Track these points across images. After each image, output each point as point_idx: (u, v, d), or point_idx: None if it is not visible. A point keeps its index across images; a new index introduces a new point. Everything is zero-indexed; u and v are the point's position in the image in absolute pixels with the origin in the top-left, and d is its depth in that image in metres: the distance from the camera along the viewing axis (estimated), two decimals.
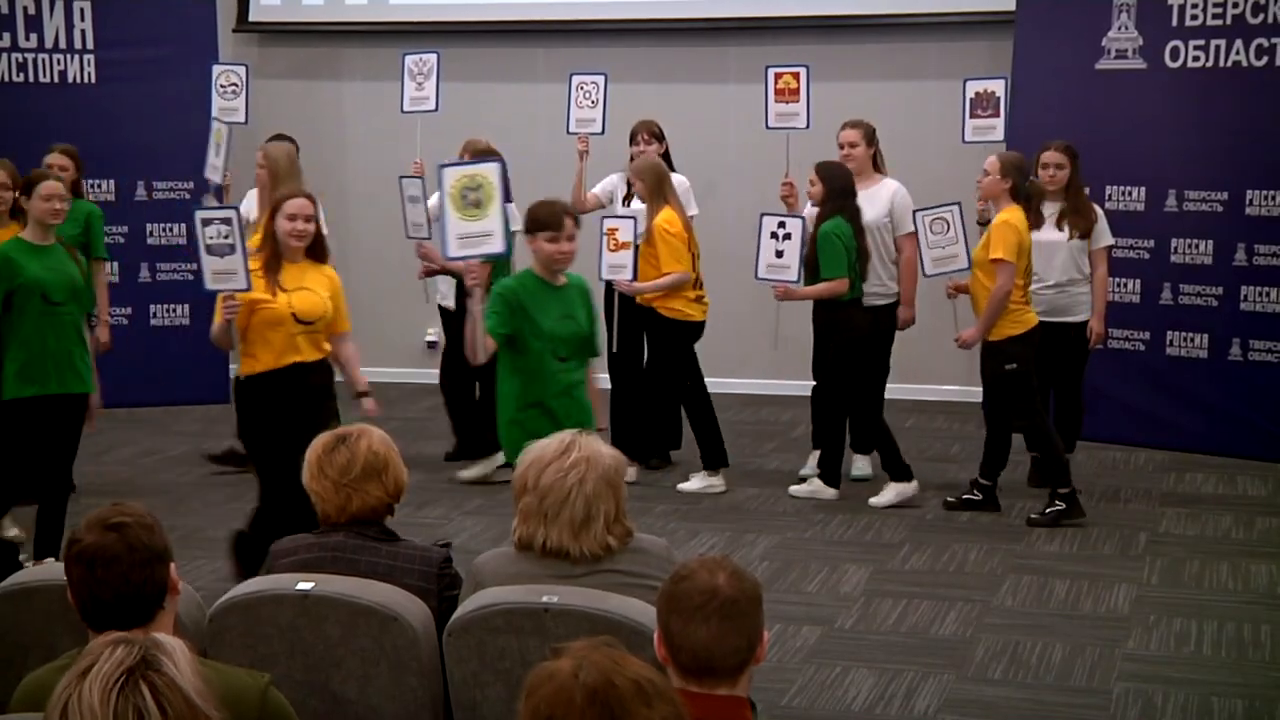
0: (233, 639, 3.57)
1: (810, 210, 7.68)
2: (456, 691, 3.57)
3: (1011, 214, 7.15)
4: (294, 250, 5.76)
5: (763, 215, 7.42)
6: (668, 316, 7.90)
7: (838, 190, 7.51)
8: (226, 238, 5.68)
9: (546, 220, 5.44)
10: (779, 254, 7.35)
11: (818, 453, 7.83)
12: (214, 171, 8.19)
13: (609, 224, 7.74)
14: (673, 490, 7.88)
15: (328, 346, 5.89)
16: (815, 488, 7.67)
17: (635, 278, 7.71)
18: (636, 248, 7.71)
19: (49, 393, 6.10)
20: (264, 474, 5.89)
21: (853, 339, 7.52)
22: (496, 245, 5.67)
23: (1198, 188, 8.59)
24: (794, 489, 7.70)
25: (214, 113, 8.89)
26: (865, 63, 9.74)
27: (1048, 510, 7.17)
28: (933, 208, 7.39)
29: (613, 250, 7.71)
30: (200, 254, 5.78)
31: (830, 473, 7.65)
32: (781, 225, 7.36)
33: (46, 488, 6.23)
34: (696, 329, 8.00)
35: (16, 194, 6.62)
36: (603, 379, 7.95)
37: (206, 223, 5.75)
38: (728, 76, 9.86)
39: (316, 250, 5.87)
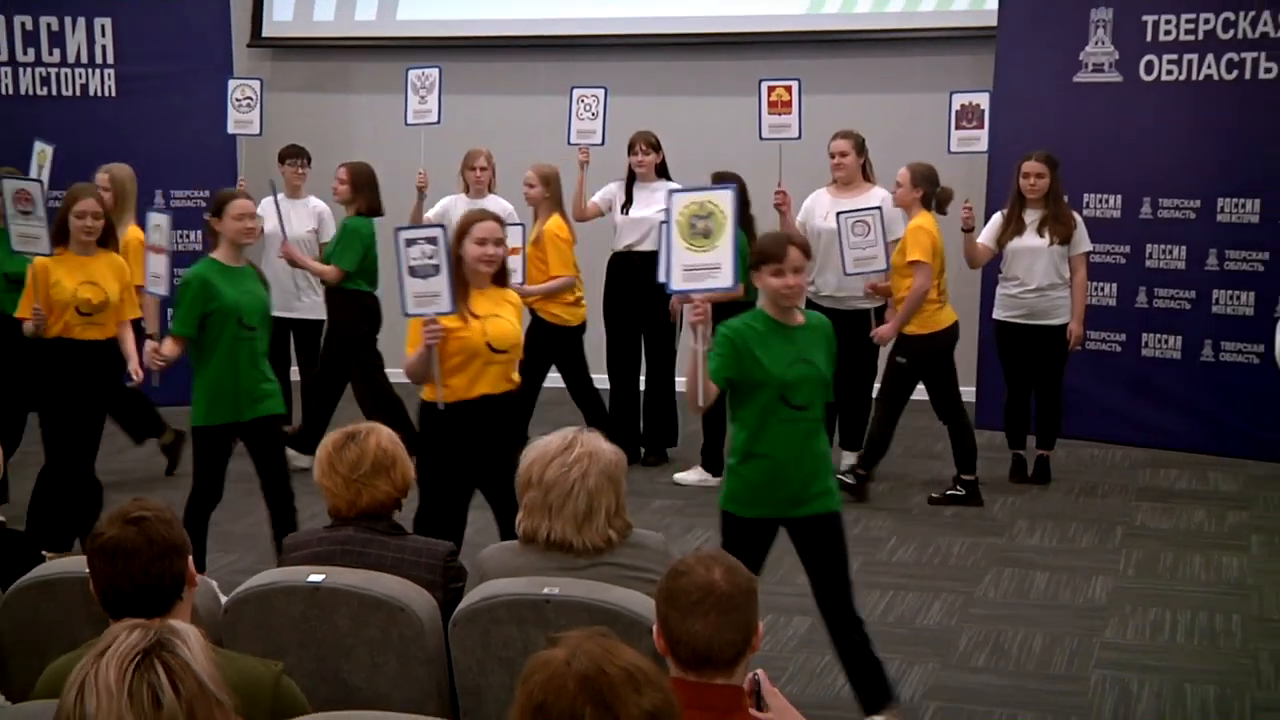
0: (246, 629, 3.58)
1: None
2: (461, 679, 3.58)
3: (924, 219, 7.37)
4: (482, 276, 5.28)
5: (662, 224, 7.19)
6: (545, 320, 7.97)
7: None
8: (431, 258, 5.11)
9: (770, 251, 4.59)
10: None
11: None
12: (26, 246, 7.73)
13: None
14: (669, 485, 7.88)
15: (516, 378, 5.49)
16: (701, 476, 7.84)
17: (524, 281, 7.73)
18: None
19: (243, 419, 5.88)
20: (427, 498, 5.36)
21: None
22: (726, 279, 4.72)
23: (1171, 196, 8.61)
24: (679, 476, 7.94)
25: (229, 127, 8.87)
26: (854, 76, 9.74)
27: (852, 477, 7.52)
28: (855, 210, 7.46)
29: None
30: (401, 276, 5.19)
31: (711, 459, 7.82)
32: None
33: (273, 507, 6.04)
34: (572, 333, 8.08)
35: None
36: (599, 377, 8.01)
37: (411, 242, 5.17)
38: (722, 89, 9.85)
39: (501, 275, 5.42)
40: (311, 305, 8.50)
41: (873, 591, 6.15)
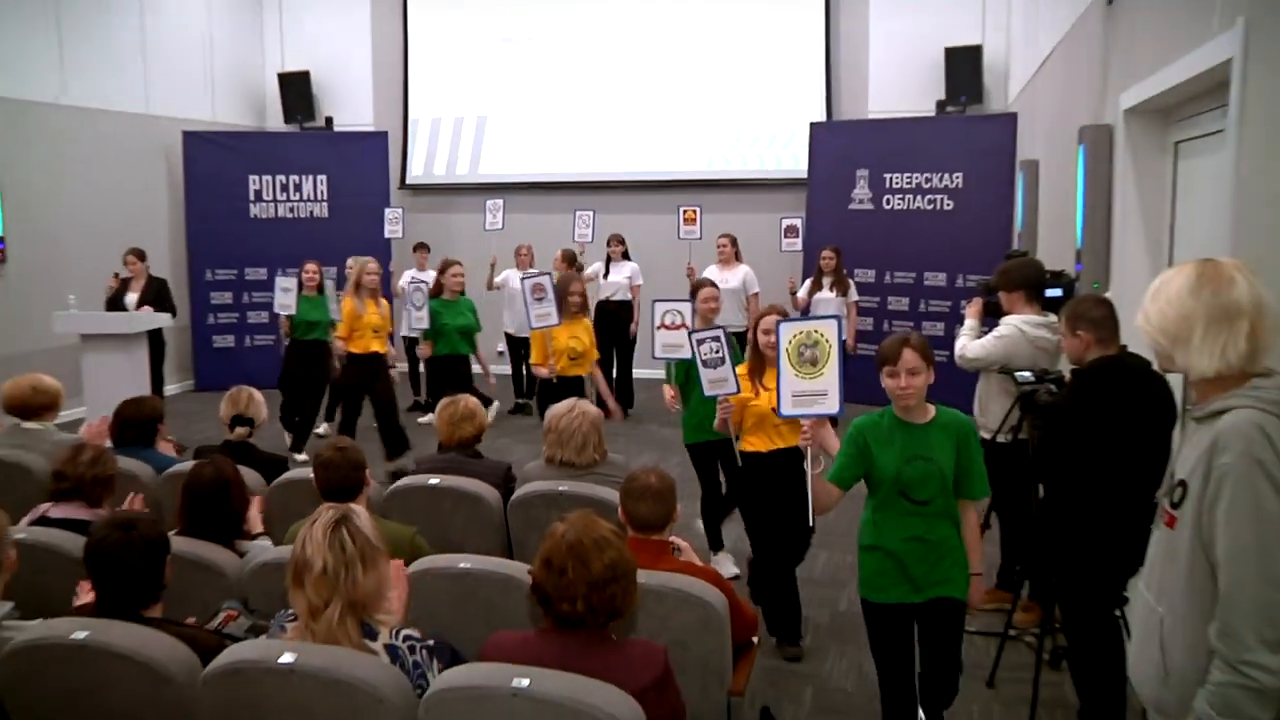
0: (395, 509, 3.57)
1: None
2: (514, 538, 3.57)
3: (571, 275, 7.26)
4: (770, 357, 3.81)
5: (524, 278, 5.75)
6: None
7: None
8: (717, 352, 3.89)
9: (884, 353, 2.96)
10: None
11: None
12: (284, 309, 6.90)
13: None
14: (627, 430, 7.79)
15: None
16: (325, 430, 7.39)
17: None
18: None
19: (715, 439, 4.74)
20: (751, 523, 4.18)
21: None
22: (831, 405, 3.08)
23: (900, 270, 8.67)
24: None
25: (385, 233, 8.76)
26: (730, 204, 9.73)
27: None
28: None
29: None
30: (698, 367, 3.93)
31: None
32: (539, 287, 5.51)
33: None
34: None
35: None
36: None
37: (700, 342, 3.92)
38: (658, 210, 9.80)
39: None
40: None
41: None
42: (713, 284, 5.05)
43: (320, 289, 7.13)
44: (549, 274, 5.64)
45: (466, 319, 6.52)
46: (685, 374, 4.66)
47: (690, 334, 4.05)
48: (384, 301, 6.67)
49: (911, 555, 2.92)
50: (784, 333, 3.10)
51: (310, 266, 7.25)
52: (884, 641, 3.00)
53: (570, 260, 8.05)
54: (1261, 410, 1.90)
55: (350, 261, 6.96)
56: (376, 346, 6.57)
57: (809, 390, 3.08)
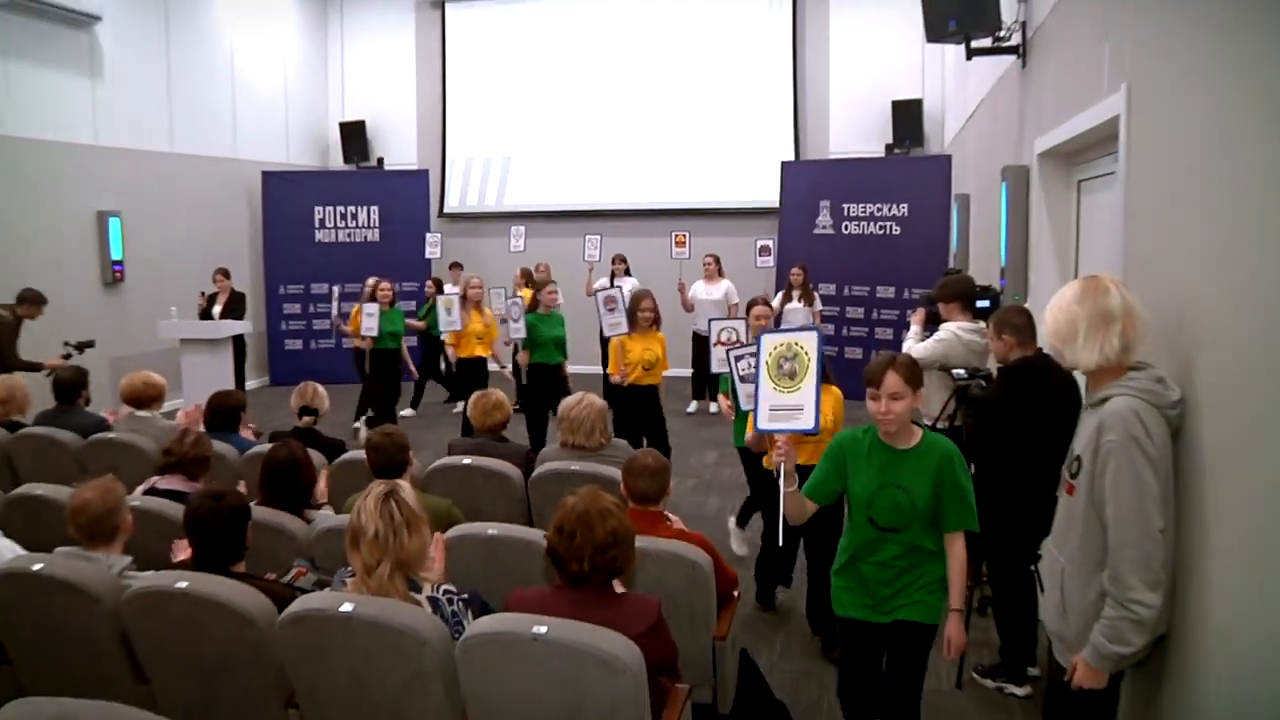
0: (434, 484, 3.55)
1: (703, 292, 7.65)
2: (535, 509, 3.56)
3: (526, 291, 6.79)
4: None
5: (597, 292, 5.49)
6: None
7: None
8: (754, 368, 2.99)
9: (868, 375, 2.44)
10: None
11: None
12: (369, 331, 6.67)
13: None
14: None
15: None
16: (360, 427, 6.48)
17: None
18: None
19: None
20: (767, 521, 3.83)
21: None
22: (807, 422, 2.39)
23: (857, 284, 8.63)
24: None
25: (426, 253, 8.77)
26: (715, 229, 9.69)
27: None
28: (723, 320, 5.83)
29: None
30: (734, 382, 3.50)
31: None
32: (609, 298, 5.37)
33: None
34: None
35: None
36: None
37: (738, 358, 3.49)
38: (654, 234, 9.75)
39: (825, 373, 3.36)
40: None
41: (725, 469, 6.02)
42: (766, 302, 4.46)
43: (392, 304, 6.99)
44: (619, 287, 5.44)
45: (560, 331, 6.22)
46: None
47: (728, 352, 3.49)
48: (487, 311, 6.61)
49: (876, 578, 2.44)
50: (765, 344, 2.47)
51: (384, 286, 7.02)
52: (846, 653, 2.57)
53: (528, 277, 7.92)
54: (1135, 397, 1.97)
55: (370, 280, 7.02)
56: (480, 351, 6.50)
57: (786, 405, 2.42)
